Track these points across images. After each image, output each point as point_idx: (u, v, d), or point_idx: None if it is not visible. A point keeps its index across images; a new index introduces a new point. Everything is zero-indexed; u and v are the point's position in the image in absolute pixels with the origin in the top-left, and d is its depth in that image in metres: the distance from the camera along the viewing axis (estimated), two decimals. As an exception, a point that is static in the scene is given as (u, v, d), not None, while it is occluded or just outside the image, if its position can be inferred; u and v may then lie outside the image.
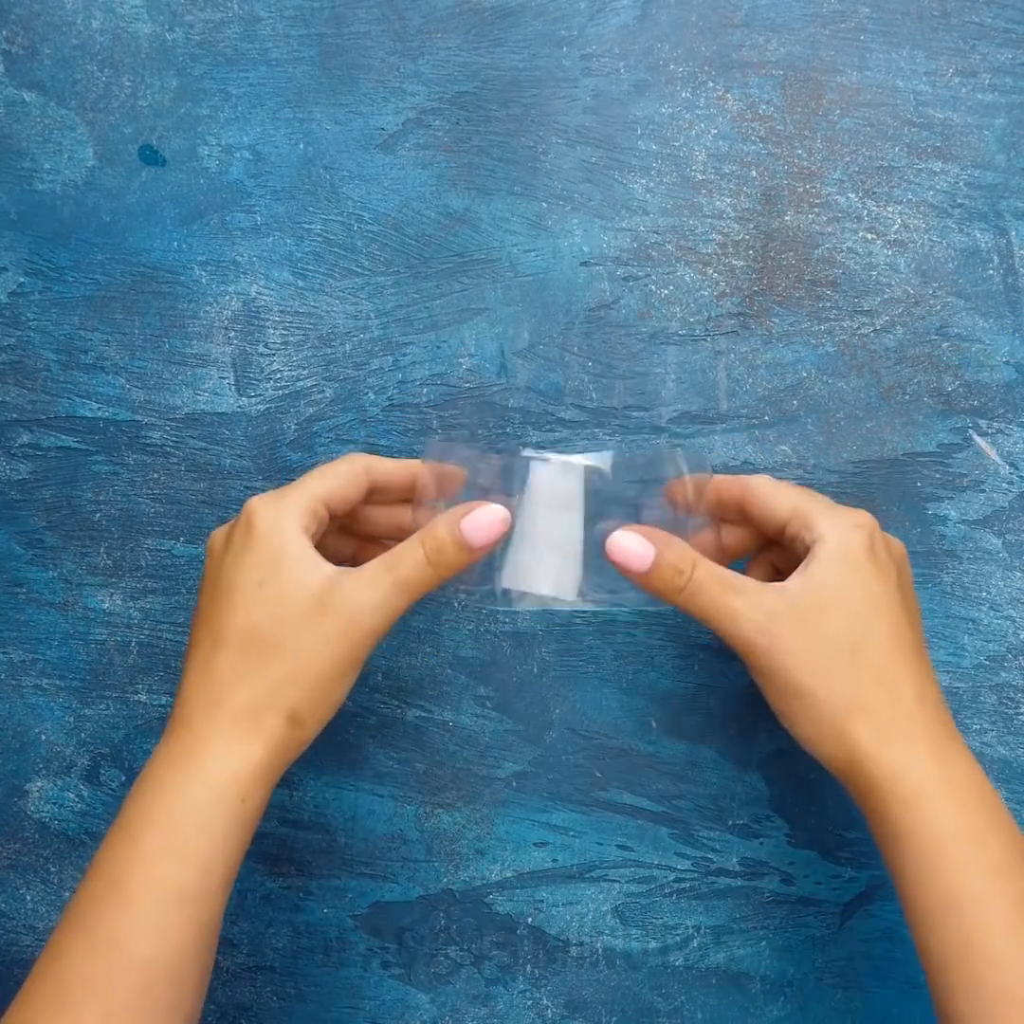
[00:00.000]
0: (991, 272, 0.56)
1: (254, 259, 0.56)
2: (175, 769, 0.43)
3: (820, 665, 0.43)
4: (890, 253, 0.56)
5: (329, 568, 0.44)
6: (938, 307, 0.56)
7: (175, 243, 0.56)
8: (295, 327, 0.56)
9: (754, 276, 0.55)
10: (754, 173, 0.55)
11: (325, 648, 0.43)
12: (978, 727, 0.55)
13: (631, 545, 0.45)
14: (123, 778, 0.56)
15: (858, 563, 0.45)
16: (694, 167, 0.56)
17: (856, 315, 0.55)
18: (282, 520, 0.44)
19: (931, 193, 0.56)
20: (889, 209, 0.56)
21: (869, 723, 0.43)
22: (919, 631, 0.46)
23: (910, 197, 0.56)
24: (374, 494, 0.48)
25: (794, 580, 0.45)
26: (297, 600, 0.43)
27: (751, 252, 0.55)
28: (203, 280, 0.56)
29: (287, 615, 0.43)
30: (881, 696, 0.43)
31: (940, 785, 0.42)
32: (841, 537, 0.45)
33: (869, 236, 0.56)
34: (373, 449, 0.55)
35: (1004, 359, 0.56)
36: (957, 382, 0.55)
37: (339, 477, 0.46)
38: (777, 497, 0.47)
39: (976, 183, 0.56)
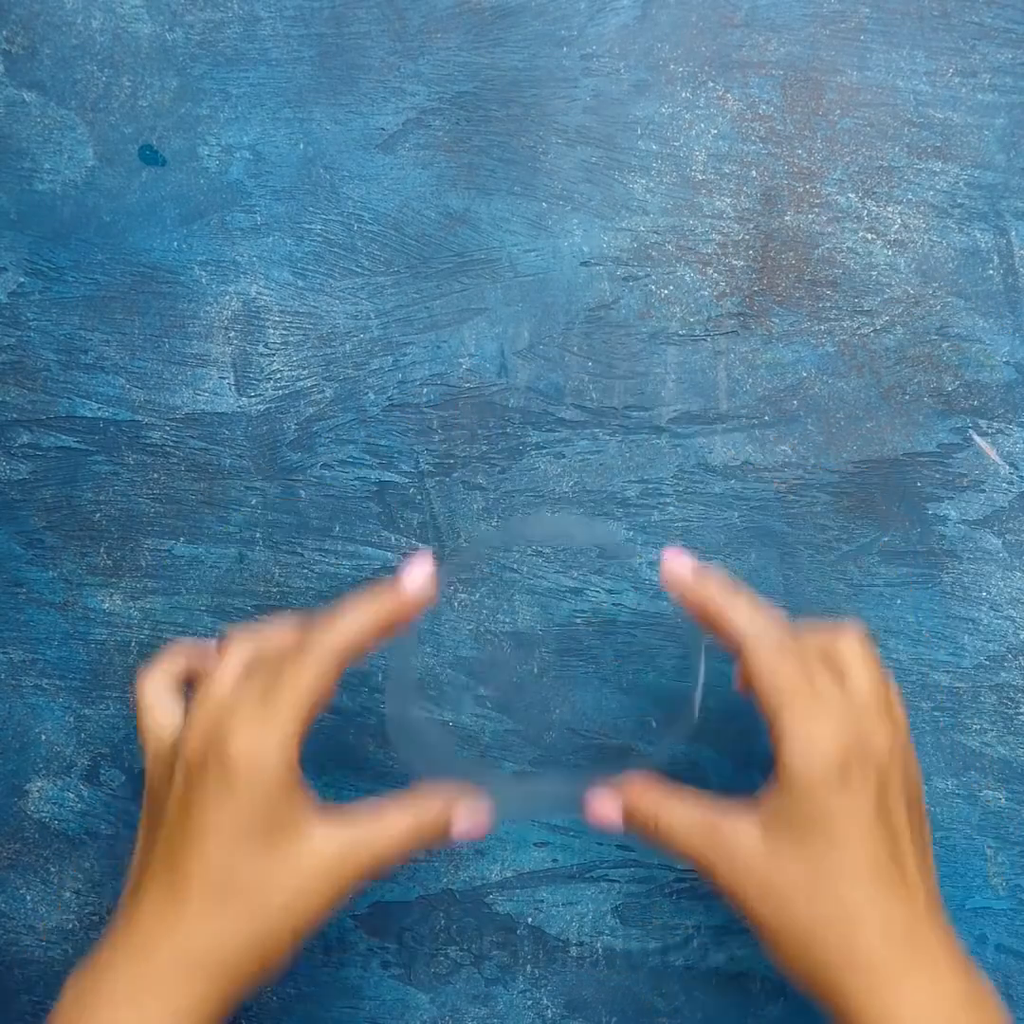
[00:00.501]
0: (991, 272, 0.56)
1: (254, 259, 0.56)
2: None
3: (776, 902, 0.41)
4: (890, 253, 0.56)
5: (311, 815, 0.41)
6: (938, 307, 0.56)
7: (175, 243, 0.56)
8: (295, 327, 0.56)
9: (754, 276, 0.55)
10: (754, 173, 0.55)
11: (301, 905, 0.41)
12: (978, 727, 0.55)
13: (607, 811, 0.45)
14: (123, 778, 0.56)
15: (823, 798, 0.40)
16: (694, 167, 0.56)
17: (856, 315, 0.55)
18: (271, 755, 0.40)
19: (931, 193, 0.56)
20: (889, 209, 0.56)
21: (825, 958, 0.41)
22: (901, 842, 0.42)
23: (910, 197, 0.56)
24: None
25: (755, 814, 0.42)
26: (278, 854, 0.40)
27: (751, 252, 0.55)
28: (203, 280, 0.56)
29: (266, 871, 0.40)
30: (837, 931, 0.40)
31: None
32: (807, 765, 0.40)
33: (869, 236, 0.56)
34: (373, 449, 0.55)
35: (1004, 359, 0.56)
36: (957, 382, 0.55)
37: (320, 681, 0.41)
38: (758, 671, 0.43)
39: (976, 183, 0.56)
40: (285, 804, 0.40)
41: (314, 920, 0.41)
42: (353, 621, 0.42)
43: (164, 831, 0.41)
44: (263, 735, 0.39)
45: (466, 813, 0.44)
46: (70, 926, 0.56)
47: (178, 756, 0.41)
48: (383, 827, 0.42)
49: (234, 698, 0.41)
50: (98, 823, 0.56)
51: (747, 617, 0.43)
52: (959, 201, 0.56)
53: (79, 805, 0.56)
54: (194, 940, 0.40)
